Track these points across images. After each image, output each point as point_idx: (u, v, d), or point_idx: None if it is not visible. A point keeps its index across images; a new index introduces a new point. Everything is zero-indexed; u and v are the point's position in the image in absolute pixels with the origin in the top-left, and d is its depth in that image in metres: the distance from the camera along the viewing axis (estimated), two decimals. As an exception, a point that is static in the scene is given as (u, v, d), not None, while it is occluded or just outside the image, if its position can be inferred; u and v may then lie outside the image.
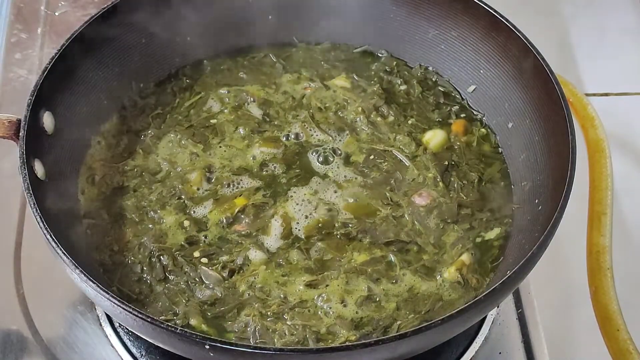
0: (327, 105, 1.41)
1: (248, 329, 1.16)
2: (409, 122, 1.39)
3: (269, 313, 1.17)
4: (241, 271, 1.21)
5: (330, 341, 1.14)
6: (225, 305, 1.18)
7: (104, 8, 1.33)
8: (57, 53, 1.25)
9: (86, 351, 1.28)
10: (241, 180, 1.31)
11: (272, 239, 1.25)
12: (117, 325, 1.30)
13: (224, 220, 1.26)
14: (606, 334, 1.36)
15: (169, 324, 1.01)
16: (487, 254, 1.25)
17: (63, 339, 1.29)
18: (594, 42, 1.81)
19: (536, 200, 1.24)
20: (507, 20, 1.32)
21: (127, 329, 1.29)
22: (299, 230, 1.26)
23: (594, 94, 1.69)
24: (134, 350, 1.27)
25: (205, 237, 1.25)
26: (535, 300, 1.34)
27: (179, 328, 1.01)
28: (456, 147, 1.37)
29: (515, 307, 1.33)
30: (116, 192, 1.30)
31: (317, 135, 1.37)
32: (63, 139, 1.26)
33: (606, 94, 1.70)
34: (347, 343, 1.12)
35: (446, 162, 1.34)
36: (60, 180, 1.25)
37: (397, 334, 1.01)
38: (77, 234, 1.24)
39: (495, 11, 1.34)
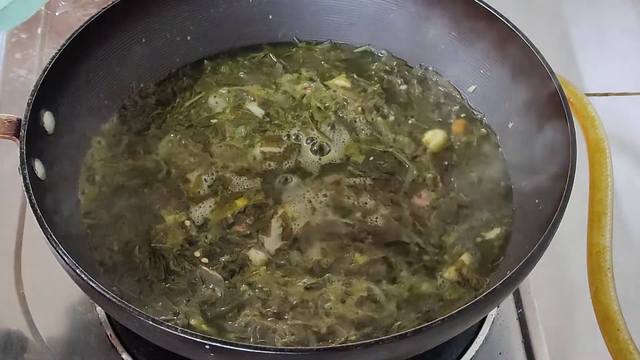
0: (327, 105, 1.41)
1: (248, 329, 1.15)
2: (409, 122, 1.39)
3: (269, 313, 1.17)
4: (241, 271, 1.21)
5: (330, 341, 1.14)
6: (225, 305, 1.18)
7: (104, 8, 1.32)
8: (57, 53, 1.25)
9: (86, 351, 1.28)
10: (242, 180, 1.31)
11: (273, 240, 1.24)
12: (117, 325, 1.29)
13: (225, 221, 1.26)
14: (606, 334, 1.36)
15: (169, 324, 1.01)
16: (487, 254, 1.25)
17: (63, 339, 1.29)
18: (594, 42, 1.81)
19: (536, 200, 1.24)
20: (507, 20, 1.32)
21: (127, 329, 1.28)
22: (299, 231, 1.26)
23: (594, 94, 1.68)
24: (134, 350, 1.27)
25: (206, 237, 1.25)
26: (535, 300, 1.34)
27: (179, 328, 1.00)
28: (456, 147, 1.37)
29: (515, 307, 1.33)
30: (116, 192, 1.30)
31: (316, 135, 1.37)
32: (63, 138, 1.26)
33: (606, 94, 1.70)
34: (347, 343, 1.12)
35: (446, 162, 1.34)
36: (60, 180, 1.24)
37: (397, 334, 1.01)
38: (77, 234, 1.23)
39: (495, 11, 1.34)
